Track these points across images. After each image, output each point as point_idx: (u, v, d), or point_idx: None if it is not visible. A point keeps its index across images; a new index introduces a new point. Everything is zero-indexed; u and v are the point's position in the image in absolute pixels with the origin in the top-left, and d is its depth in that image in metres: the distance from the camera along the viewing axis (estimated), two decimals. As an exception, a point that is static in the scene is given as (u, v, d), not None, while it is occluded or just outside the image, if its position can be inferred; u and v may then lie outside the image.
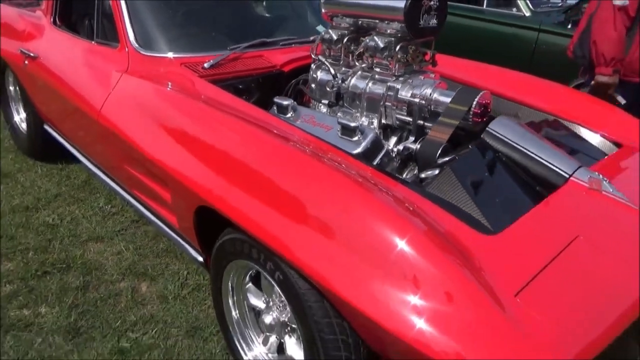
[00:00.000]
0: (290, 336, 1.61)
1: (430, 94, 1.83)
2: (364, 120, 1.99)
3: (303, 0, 2.91)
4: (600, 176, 1.60)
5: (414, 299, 1.11)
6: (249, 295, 1.69)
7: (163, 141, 1.77)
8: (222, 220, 1.55)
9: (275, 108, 2.01)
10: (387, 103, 1.92)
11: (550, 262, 1.26)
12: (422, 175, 1.67)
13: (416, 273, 1.14)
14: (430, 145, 1.74)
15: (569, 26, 3.67)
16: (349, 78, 2.02)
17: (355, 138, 1.75)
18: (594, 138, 2.05)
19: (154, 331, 1.96)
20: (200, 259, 1.86)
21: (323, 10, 2.10)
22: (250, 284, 1.68)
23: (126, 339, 1.92)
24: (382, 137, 1.93)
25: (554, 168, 1.63)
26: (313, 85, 2.15)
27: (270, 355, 1.70)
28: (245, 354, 1.70)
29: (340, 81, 2.04)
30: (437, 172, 1.61)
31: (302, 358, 1.46)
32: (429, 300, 1.11)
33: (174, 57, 2.16)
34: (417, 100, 1.84)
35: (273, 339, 1.67)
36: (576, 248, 1.34)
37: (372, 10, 1.92)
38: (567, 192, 1.55)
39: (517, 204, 1.52)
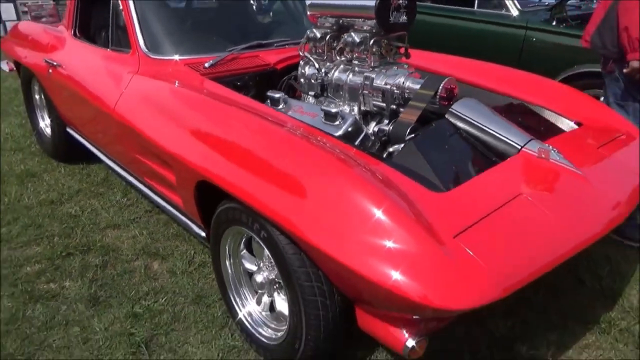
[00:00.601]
0: (278, 293, 1.84)
1: (403, 82, 2.07)
2: (346, 108, 2.23)
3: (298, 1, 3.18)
4: (550, 147, 1.80)
5: (387, 252, 1.29)
6: (243, 261, 1.93)
7: (169, 129, 2.03)
8: (218, 194, 1.80)
9: (268, 101, 2.27)
10: (364, 91, 2.16)
11: (490, 213, 1.47)
12: (390, 150, 1.90)
13: (387, 231, 1.32)
14: (400, 125, 1.97)
15: (554, 23, 3.86)
16: (332, 71, 2.27)
17: (337, 122, 1.99)
18: (556, 119, 2.26)
19: (164, 299, 2.21)
20: (203, 234, 2.11)
21: (309, 13, 2.36)
22: (244, 251, 1.93)
23: (139, 306, 2.17)
24: (362, 122, 2.16)
25: (509, 141, 1.84)
26: (302, 80, 2.40)
27: (263, 313, 1.93)
28: (240, 310, 1.94)
29: (324, 74, 2.29)
30: (402, 146, 1.84)
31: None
32: (398, 253, 1.29)
33: (179, 59, 2.43)
34: (390, 87, 2.08)
35: (265, 298, 1.91)
36: (517, 203, 1.55)
37: (350, 9, 2.17)
38: (516, 159, 1.76)
39: (471, 171, 1.74)
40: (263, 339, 1.87)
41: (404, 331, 1.44)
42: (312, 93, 2.35)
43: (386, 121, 2.11)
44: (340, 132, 1.97)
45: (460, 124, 1.93)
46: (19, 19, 8.37)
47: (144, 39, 2.50)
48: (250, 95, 2.39)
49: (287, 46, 2.71)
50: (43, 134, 3.73)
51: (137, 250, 2.57)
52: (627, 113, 2.56)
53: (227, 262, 1.94)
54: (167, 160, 2.04)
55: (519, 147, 1.81)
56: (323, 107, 2.03)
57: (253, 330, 1.90)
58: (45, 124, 3.73)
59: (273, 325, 1.88)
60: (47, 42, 3.24)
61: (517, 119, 2.09)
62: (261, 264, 1.86)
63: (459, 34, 4.44)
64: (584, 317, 2.13)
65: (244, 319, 1.94)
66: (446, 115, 1.97)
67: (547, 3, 4.36)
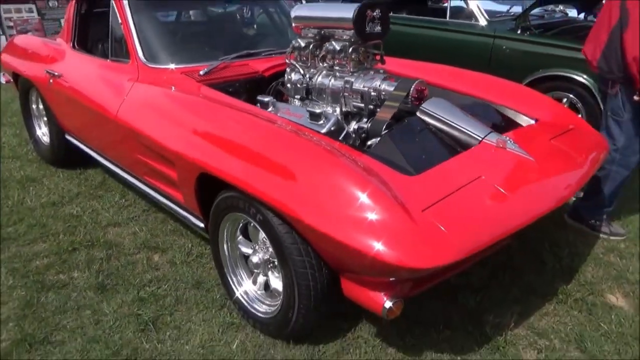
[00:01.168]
0: (272, 272, 2.07)
1: (379, 85, 2.33)
2: (329, 109, 2.49)
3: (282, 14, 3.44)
4: (507, 138, 2.08)
5: (370, 226, 1.54)
6: (239, 245, 2.16)
7: (170, 129, 2.25)
8: (218, 186, 2.03)
9: (258, 105, 2.51)
10: (345, 94, 2.42)
11: (453, 192, 1.73)
12: (369, 143, 2.16)
13: (370, 210, 1.56)
14: (377, 123, 2.23)
15: (519, 31, 4.20)
16: (316, 76, 2.53)
17: (321, 122, 2.24)
18: (516, 116, 2.54)
19: (166, 286, 2.42)
20: (202, 225, 2.34)
21: (294, 24, 2.62)
22: (240, 237, 2.15)
23: (144, 292, 2.38)
24: (344, 122, 2.42)
25: (471, 133, 2.11)
26: (288, 85, 2.65)
27: (259, 291, 2.16)
28: (237, 289, 2.16)
29: (309, 79, 2.54)
30: (379, 139, 2.10)
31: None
32: (380, 227, 1.54)
33: (175, 68, 2.66)
34: (368, 90, 2.34)
35: (260, 277, 2.14)
36: (477, 184, 1.81)
37: (330, 21, 2.43)
38: (477, 149, 2.03)
39: (438, 159, 1.99)
40: (259, 314, 2.09)
41: (382, 294, 1.68)
42: (298, 96, 2.60)
43: (365, 120, 2.37)
44: (324, 130, 2.21)
45: (429, 120, 2.20)
46: (4, 33, 8.49)
47: (142, 50, 2.72)
48: (242, 100, 2.63)
49: (273, 55, 2.96)
50: (40, 142, 3.92)
51: (138, 245, 2.78)
52: (620, 129, 2.65)
53: (225, 246, 2.17)
54: (169, 158, 2.26)
55: (480, 138, 2.08)
56: (308, 109, 2.28)
57: (249, 307, 2.13)
58: (42, 132, 3.91)
59: (268, 302, 2.11)
60: (47, 54, 3.44)
61: (480, 116, 2.37)
62: (256, 247, 2.09)
63: (433, 43, 4.76)
64: (545, 291, 2.40)
65: (240, 298, 2.16)
66: (417, 113, 2.24)
67: (512, 13, 4.70)
